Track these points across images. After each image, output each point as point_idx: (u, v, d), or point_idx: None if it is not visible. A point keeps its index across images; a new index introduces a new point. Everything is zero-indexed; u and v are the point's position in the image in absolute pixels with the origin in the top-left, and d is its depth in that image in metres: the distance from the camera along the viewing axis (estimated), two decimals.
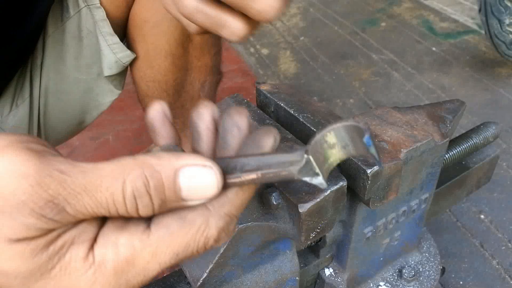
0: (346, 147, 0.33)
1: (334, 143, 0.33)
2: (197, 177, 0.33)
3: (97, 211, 0.32)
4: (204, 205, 0.35)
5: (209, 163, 0.33)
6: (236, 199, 0.35)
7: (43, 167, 0.31)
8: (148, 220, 0.34)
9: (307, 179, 0.33)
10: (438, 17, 2.30)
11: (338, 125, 0.32)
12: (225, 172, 0.34)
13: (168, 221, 0.34)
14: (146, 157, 0.33)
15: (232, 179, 0.34)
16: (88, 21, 0.89)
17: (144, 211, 0.33)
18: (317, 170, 0.33)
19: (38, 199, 0.30)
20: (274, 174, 0.34)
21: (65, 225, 0.32)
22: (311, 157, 0.32)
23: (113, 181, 0.31)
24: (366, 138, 0.31)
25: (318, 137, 0.33)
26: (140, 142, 1.53)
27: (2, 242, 0.30)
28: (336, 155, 0.33)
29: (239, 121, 0.39)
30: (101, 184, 0.31)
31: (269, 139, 0.37)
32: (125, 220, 0.34)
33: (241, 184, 0.35)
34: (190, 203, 0.34)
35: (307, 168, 0.32)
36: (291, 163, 0.33)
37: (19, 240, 0.31)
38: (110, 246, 0.33)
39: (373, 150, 0.31)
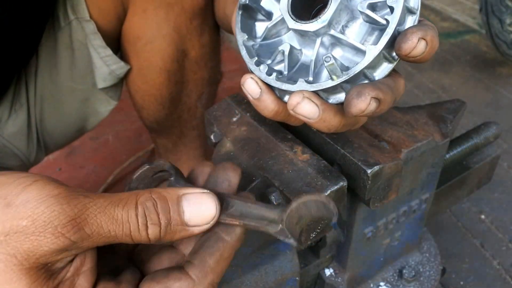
0: (318, 210, 0.39)
1: (307, 209, 0.40)
2: (198, 201, 0.39)
3: (111, 228, 0.36)
4: (188, 275, 0.39)
5: (207, 190, 0.39)
6: (217, 267, 0.40)
7: (71, 190, 0.36)
8: None
9: (281, 238, 0.40)
10: (438, 17, 2.30)
11: (312, 198, 0.39)
12: None
13: None
14: (153, 188, 0.39)
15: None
16: (79, 34, 0.88)
17: (152, 231, 0.37)
18: (289, 236, 0.40)
19: (63, 217, 0.34)
20: (254, 227, 0.40)
21: (74, 254, 0.36)
22: (285, 228, 0.39)
23: (128, 201, 0.37)
24: (333, 224, 0.38)
25: (294, 205, 0.39)
26: (140, 142, 1.53)
27: (11, 266, 0.33)
28: (308, 216, 0.40)
29: (232, 177, 0.45)
30: (118, 204, 0.37)
31: (235, 176, 0.45)
32: (114, 285, 0.39)
33: (223, 223, 0.41)
34: (193, 229, 0.39)
35: (282, 233, 0.39)
36: (269, 222, 0.40)
37: (28, 268, 0.33)
38: None
39: (338, 230, 0.39)
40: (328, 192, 0.52)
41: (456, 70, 1.88)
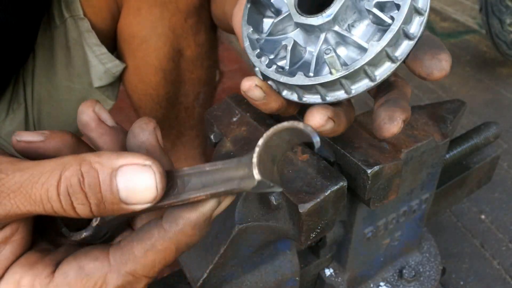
0: (289, 141, 0.33)
1: (278, 144, 0.32)
2: (135, 177, 0.31)
3: (31, 209, 0.31)
4: (107, 258, 0.34)
5: (150, 162, 0.32)
6: (144, 258, 0.34)
7: None
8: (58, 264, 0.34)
9: (263, 191, 0.33)
10: (438, 17, 2.30)
11: (280, 127, 0.31)
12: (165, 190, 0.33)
13: (67, 269, 0.33)
14: (87, 154, 0.32)
15: (174, 199, 0.33)
16: (74, 32, 0.88)
17: (81, 210, 0.32)
18: (271, 184, 0.31)
19: None
20: (224, 193, 0.33)
21: None
22: (262, 179, 0.31)
23: (49, 177, 0.31)
24: (316, 149, 0.31)
25: (261, 148, 0.31)
26: None
27: None
28: (281, 150, 0.33)
29: (149, 139, 0.38)
30: (37, 180, 0.31)
31: (150, 134, 0.38)
32: (38, 258, 0.34)
33: (186, 203, 0.33)
34: (132, 207, 0.32)
35: (262, 185, 0.32)
36: (241, 179, 0.32)
37: None
38: (12, 284, 0.33)
39: (326, 151, 0.31)
40: (328, 192, 0.52)
41: (456, 70, 1.88)
